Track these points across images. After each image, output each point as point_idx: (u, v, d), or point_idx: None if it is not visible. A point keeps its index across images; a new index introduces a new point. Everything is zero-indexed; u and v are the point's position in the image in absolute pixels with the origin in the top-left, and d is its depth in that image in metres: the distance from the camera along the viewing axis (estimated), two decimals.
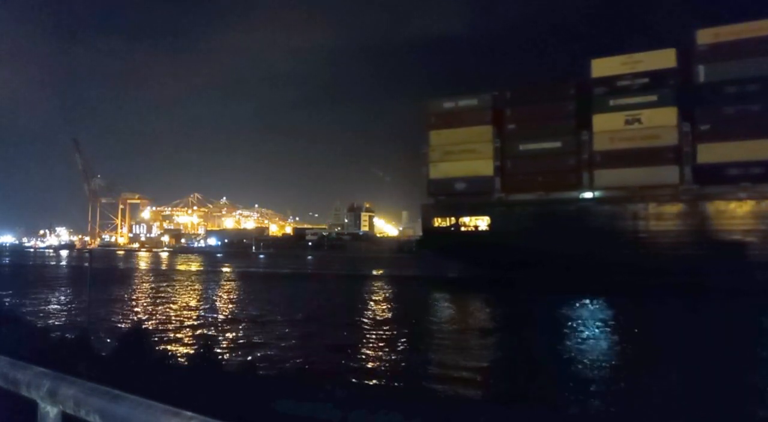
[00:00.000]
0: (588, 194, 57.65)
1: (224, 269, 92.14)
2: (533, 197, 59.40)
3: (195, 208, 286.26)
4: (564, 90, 59.53)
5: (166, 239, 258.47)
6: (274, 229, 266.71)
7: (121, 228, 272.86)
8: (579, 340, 27.98)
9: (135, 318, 33.81)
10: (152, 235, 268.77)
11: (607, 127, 56.62)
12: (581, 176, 57.74)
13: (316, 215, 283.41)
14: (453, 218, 64.52)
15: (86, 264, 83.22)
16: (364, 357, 23.30)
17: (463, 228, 64.00)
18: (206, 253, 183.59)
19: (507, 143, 61.53)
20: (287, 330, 29.88)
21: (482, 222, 63.38)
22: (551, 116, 59.01)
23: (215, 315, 35.48)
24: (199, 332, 28.97)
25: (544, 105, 59.64)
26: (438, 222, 65.65)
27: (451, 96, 66.05)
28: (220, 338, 27.14)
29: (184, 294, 49.46)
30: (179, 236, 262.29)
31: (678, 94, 54.12)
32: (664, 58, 55.34)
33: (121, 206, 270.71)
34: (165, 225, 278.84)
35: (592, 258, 52.88)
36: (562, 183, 58.33)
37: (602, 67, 57.91)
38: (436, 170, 65.09)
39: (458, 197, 64.03)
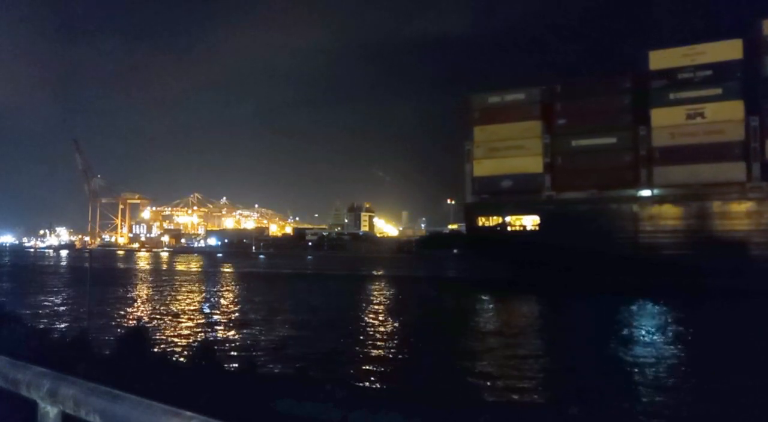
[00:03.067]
0: (646, 192, 55.10)
1: (225, 270, 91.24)
2: (586, 196, 56.79)
3: (195, 208, 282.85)
4: (619, 83, 56.97)
5: (166, 239, 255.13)
6: (274, 229, 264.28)
7: (121, 228, 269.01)
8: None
9: (135, 318, 33.61)
10: (152, 235, 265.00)
11: (667, 122, 54.13)
12: (638, 173, 55.19)
13: (316, 215, 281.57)
14: (499, 217, 61.82)
15: (86, 264, 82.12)
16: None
17: (509, 228, 61.27)
18: (206, 253, 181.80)
19: (557, 139, 58.93)
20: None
21: (530, 221, 60.74)
22: (605, 111, 56.41)
23: (216, 316, 35.03)
24: (199, 333, 28.59)
25: (597, 99, 57.13)
26: (482, 221, 62.89)
27: (496, 90, 63.39)
28: (220, 339, 26.66)
29: (185, 295, 48.17)
30: (179, 236, 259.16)
31: (744, 87, 51.65)
32: (730, 50, 52.76)
33: (121, 206, 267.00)
34: (165, 225, 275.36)
35: (651, 259, 50.70)
36: (617, 181, 55.75)
37: (661, 59, 55.35)
38: (481, 168, 62.37)
39: (504, 196, 61.30)
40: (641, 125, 55.32)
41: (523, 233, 59.78)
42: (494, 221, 62.53)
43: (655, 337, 29.05)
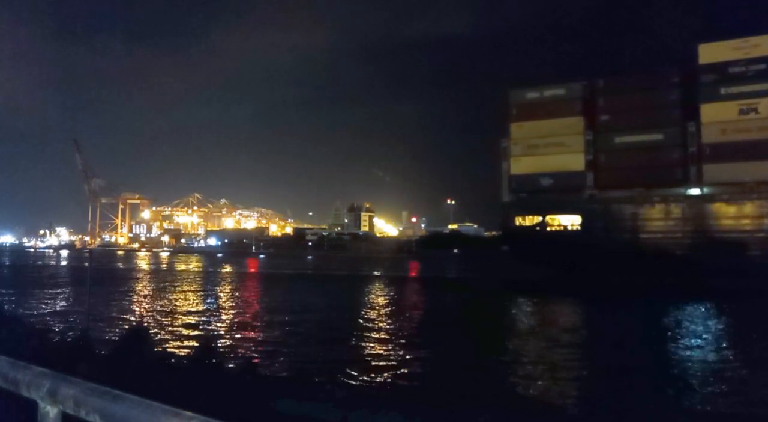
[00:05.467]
0: (695, 191, 53.23)
1: (225, 270, 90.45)
2: (631, 194, 54.88)
3: (195, 208, 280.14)
4: (666, 77, 55.25)
5: (166, 239, 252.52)
6: (274, 229, 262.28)
7: (121, 228, 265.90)
8: None
9: (135, 318, 33.46)
10: (152, 235, 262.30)
11: (718, 117, 52.39)
12: (687, 170, 53.48)
13: (316, 215, 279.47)
14: (538, 217, 59.74)
15: (86, 264, 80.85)
16: None
17: (549, 228, 59.20)
18: (206, 253, 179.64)
19: (600, 136, 57.12)
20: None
21: (570, 221, 58.71)
22: (652, 106, 54.74)
23: (216, 316, 34.65)
24: (199, 333, 28.21)
25: (643, 94, 55.44)
26: (520, 221, 60.79)
27: (535, 85, 61.37)
28: (221, 339, 26.24)
29: (185, 295, 47.64)
30: (179, 236, 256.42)
31: None
32: None
33: (121, 206, 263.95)
34: (165, 225, 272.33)
35: (703, 260, 48.73)
36: (665, 179, 54.10)
37: (711, 52, 53.54)
38: (519, 165, 60.45)
39: (543, 194, 59.23)
40: (690, 120, 53.72)
41: (565, 233, 57.78)
42: (531, 220, 60.52)
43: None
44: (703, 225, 51.72)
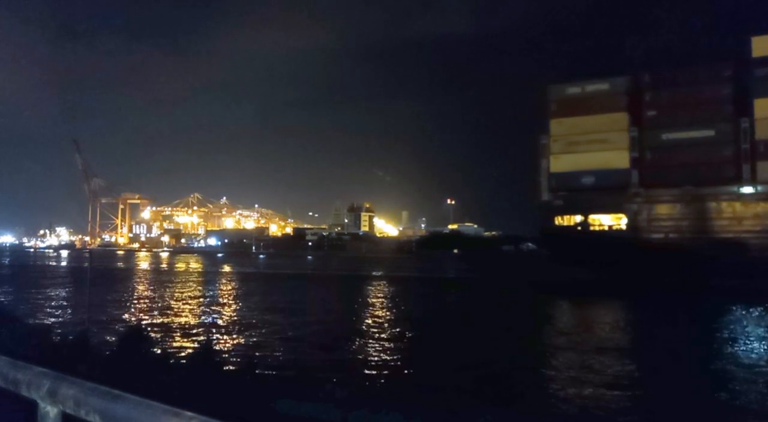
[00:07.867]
0: (748, 189, 51.22)
1: (225, 270, 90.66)
2: (680, 193, 52.84)
3: (195, 208, 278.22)
4: (718, 71, 53.26)
5: (166, 239, 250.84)
6: (274, 229, 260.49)
7: (121, 228, 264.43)
8: None
9: (135, 318, 33.42)
10: (152, 235, 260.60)
11: None
12: (740, 168, 51.50)
13: (316, 215, 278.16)
14: (580, 217, 57.60)
15: (86, 264, 79.67)
16: None
17: (591, 228, 57.07)
18: (206, 253, 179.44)
19: (646, 132, 55.08)
20: None
21: (612, 221, 56.62)
22: (702, 101, 52.75)
23: (216, 316, 34.48)
24: (199, 333, 28.08)
25: (692, 89, 53.52)
26: (559, 221, 58.61)
27: (575, 81, 59.26)
28: (221, 339, 26.22)
29: (185, 295, 47.22)
30: (179, 236, 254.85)
31: None
32: None
33: (121, 206, 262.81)
34: (165, 225, 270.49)
35: (757, 261, 46.84)
36: (715, 176, 52.07)
37: (765, 45, 51.49)
38: (558, 163, 58.36)
39: (585, 193, 57.04)
40: (743, 116, 51.80)
41: (609, 233, 55.67)
42: (569, 220, 58.43)
43: None
44: (757, 225, 49.76)
